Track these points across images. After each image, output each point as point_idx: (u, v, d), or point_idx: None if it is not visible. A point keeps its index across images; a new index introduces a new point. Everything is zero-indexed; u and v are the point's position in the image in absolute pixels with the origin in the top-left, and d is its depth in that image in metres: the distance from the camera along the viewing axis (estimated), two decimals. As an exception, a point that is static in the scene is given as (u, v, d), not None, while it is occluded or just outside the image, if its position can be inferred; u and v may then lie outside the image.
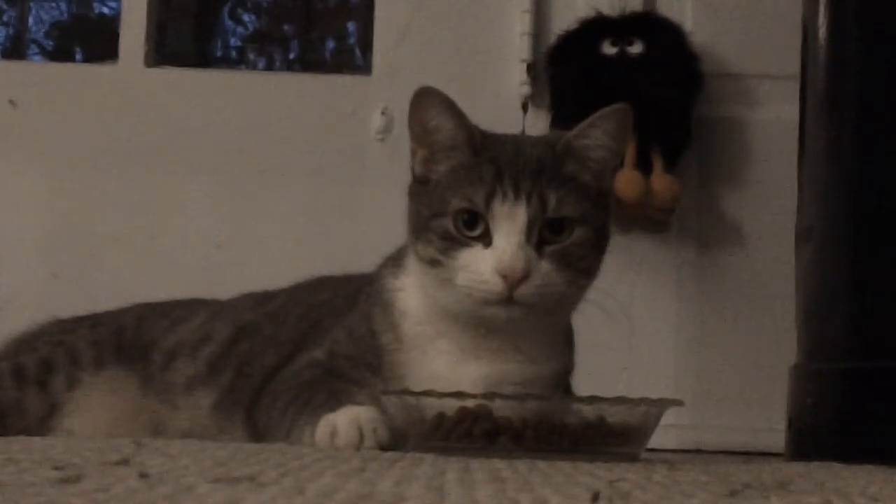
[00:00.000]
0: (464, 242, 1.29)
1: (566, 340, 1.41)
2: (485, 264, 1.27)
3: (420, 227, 1.34)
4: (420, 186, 1.36)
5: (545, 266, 1.28)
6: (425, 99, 1.33)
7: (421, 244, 1.33)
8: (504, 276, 1.26)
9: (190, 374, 1.52)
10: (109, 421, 1.52)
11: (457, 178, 1.32)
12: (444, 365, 1.33)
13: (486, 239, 1.28)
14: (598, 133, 1.36)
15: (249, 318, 1.57)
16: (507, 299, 1.27)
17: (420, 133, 1.35)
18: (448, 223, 1.30)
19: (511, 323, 1.29)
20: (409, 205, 1.38)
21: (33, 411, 1.52)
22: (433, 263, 1.31)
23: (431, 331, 1.35)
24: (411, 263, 1.37)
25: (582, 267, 1.32)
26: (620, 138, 1.37)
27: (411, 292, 1.37)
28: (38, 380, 1.54)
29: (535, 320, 1.30)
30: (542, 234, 1.29)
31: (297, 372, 1.41)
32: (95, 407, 1.53)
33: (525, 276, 1.26)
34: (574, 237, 1.30)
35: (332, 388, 1.34)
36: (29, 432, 1.46)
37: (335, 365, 1.39)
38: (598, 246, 1.35)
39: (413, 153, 1.37)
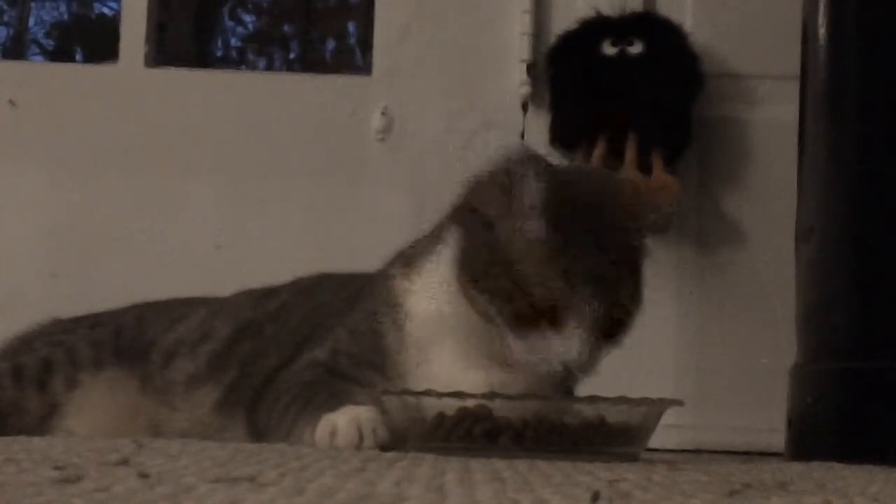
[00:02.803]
0: (531, 322, 1.25)
1: None
2: (553, 355, 1.24)
3: (476, 273, 1.28)
4: (473, 218, 1.30)
5: (601, 346, 1.27)
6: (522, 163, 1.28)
7: (475, 292, 1.28)
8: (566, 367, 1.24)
9: (190, 373, 1.52)
10: (109, 421, 1.52)
11: (533, 254, 1.25)
12: (447, 368, 1.32)
13: (555, 322, 1.24)
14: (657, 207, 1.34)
15: (250, 316, 1.56)
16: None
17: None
18: (514, 295, 1.25)
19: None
20: (460, 235, 1.31)
21: (32, 411, 1.52)
22: (487, 321, 1.28)
23: (438, 335, 1.33)
24: (431, 268, 1.34)
25: (626, 334, 1.32)
26: (665, 213, 1.37)
27: (423, 296, 1.35)
28: (38, 380, 1.54)
29: None
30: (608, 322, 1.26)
31: (299, 372, 1.41)
32: (95, 407, 1.53)
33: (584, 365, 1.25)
34: (630, 317, 1.30)
35: (332, 387, 1.34)
36: (28, 432, 1.46)
37: (337, 364, 1.38)
38: (640, 309, 1.33)
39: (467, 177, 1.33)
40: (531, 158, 1.29)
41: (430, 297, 1.34)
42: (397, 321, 1.36)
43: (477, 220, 1.29)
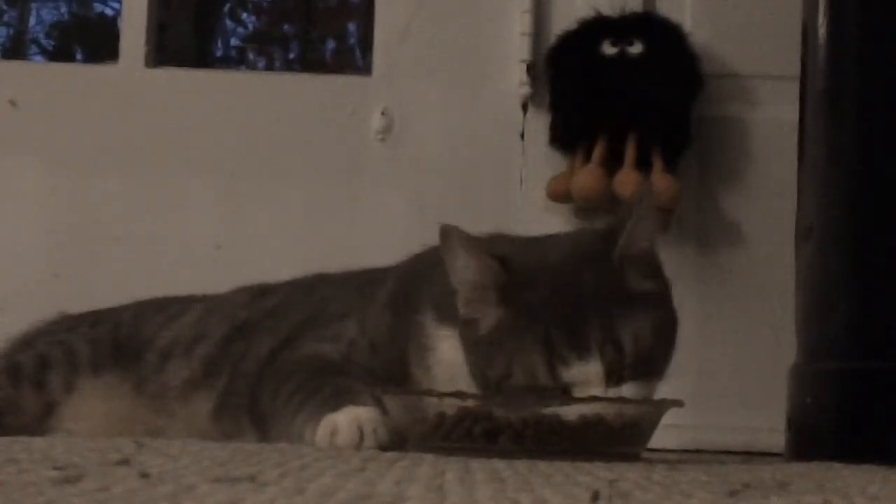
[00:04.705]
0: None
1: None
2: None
3: (489, 384, 1.26)
4: (469, 332, 1.28)
5: (629, 390, 1.23)
6: (448, 242, 1.26)
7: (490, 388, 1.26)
8: None
9: (184, 377, 1.51)
10: (106, 426, 1.51)
11: (506, 340, 1.24)
12: None
13: (564, 391, 1.21)
14: (642, 228, 1.26)
15: (245, 315, 1.56)
16: None
17: (456, 276, 1.27)
18: (514, 382, 1.23)
19: None
20: (468, 355, 1.30)
21: (29, 410, 1.52)
22: None
23: (463, 380, 1.31)
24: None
25: (663, 369, 1.28)
26: (656, 222, 1.30)
27: (454, 342, 1.32)
28: (35, 378, 1.54)
29: None
30: (622, 371, 1.22)
31: (304, 360, 1.40)
32: (92, 412, 1.53)
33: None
34: (651, 357, 1.24)
35: (337, 385, 1.33)
36: (26, 431, 1.46)
37: (348, 370, 1.38)
38: (673, 336, 1.29)
39: (456, 292, 1.29)
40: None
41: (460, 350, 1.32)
42: (425, 362, 1.35)
43: (470, 330, 1.29)
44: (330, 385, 1.33)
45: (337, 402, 1.28)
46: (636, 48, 2.24)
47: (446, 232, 1.26)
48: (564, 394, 1.22)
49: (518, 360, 1.22)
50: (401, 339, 1.37)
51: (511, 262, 1.27)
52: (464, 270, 1.26)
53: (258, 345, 1.49)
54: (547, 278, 1.25)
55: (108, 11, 3.75)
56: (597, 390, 1.21)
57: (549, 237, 1.41)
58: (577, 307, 1.22)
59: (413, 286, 1.40)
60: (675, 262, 2.30)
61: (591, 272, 1.25)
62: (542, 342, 1.21)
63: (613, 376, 1.22)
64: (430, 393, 1.25)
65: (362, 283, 1.50)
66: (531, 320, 1.23)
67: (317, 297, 1.54)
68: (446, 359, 1.34)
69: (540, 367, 1.21)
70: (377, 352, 1.38)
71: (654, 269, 1.29)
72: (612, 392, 1.22)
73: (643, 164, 2.19)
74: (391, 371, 1.36)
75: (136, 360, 1.55)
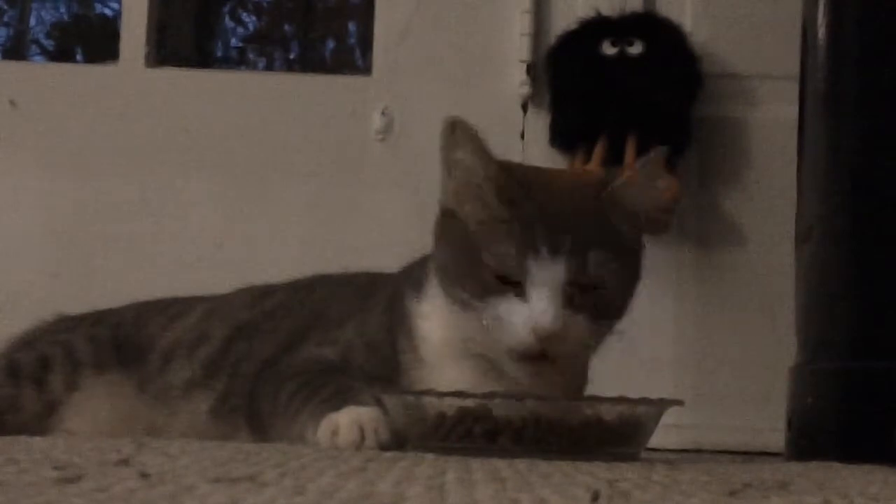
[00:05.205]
0: (497, 291, 1.25)
1: (584, 369, 1.40)
2: (520, 319, 1.23)
3: (450, 270, 1.31)
4: (448, 221, 1.32)
5: (581, 322, 1.25)
6: (452, 133, 1.28)
7: (450, 285, 1.30)
8: (538, 336, 1.23)
9: (186, 378, 1.52)
10: (108, 424, 1.51)
11: (489, 231, 1.27)
12: (462, 387, 1.32)
13: (520, 290, 1.24)
14: (643, 180, 1.32)
15: (246, 316, 1.56)
16: (539, 354, 1.24)
17: (450, 166, 1.30)
18: (480, 273, 1.26)
19: (538, 376, 1.27)
20: (437, 242, 1.34)
21: (29, 409, 1.52)
22: (464, 307, 1.28)
23: (452, 356, 1.33)
24: (434, 292, 1.34)
25: (615, 314, 1.30)
26: (660, 181, 1.36)
27: (434, 320, 1.35)
28: (35, 377, 1.54)
29: (559, 365, 1.28)
30: (579, 290, 1.25)
31: (304, 363, 1.41)
32: (93, 410, 1.53)
33: (561, 336, 1.23)
34: (610, 290, 1.27)
35: (337, 385, 1.34)
36: (25, 431, 1.46)
37: (347, 370, 1.38)
38: (631, 291, 1.33)
39: (443, 183, 1.33)
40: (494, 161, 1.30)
41: (438, 323, 1.34)
42: (413, 343, 1.36)
43: (447, 220, 1.33)
44: (330, 385, 1.34)
45: (337, 401, 1.28)
46: (636, 48, 2.24)
47: (452, 123, 1.28)
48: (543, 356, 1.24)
49: (493, 247, 1.25)
50: (392, 332, 1.38)
51: (511, 169, 1.31)
52: (462, 163, 1.29)
53: (259, 347, 1.50)
54: (541, 191, 1.29)
55: (108, 12, 3.75)
56: (552, 294, 1.23)
57: (559, 169, 1.46)
58: (561, 218, 1.25)
59: (404, 287, 1.41)
60: (675, 262, 2.31)
61: (581, 199, 1.29)
62: (521, 233, 1.24)
63: (571, 290, 1.24)
64: (429, 393, 1.25)
65: (362, 288, 1.51)
66: (521, 218, 1.26)
67: (317, 299, 1.55)
68: (430, 336, 1.35)
69: (511, 254, 1.24)
70: (373, 351, 1.39)
71: (635, 222, 1.33)
72: (566, 314, 1.23)
73: (643, 164, 2.19)
74: (386, 368, 1.36)
75: (138, 359, 1.55)
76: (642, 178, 1.32)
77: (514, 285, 1.24)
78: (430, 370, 1.34)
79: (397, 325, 1.38)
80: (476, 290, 1.26)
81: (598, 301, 1.26)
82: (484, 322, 1.26)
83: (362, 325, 1.43)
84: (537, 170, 1.40)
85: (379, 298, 1.45)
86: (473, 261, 1.27)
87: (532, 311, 1.23)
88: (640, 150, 2.19)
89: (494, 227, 1.27)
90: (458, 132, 1.28)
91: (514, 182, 1.29)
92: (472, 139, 1.28)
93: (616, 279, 1.28)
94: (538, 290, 1.23)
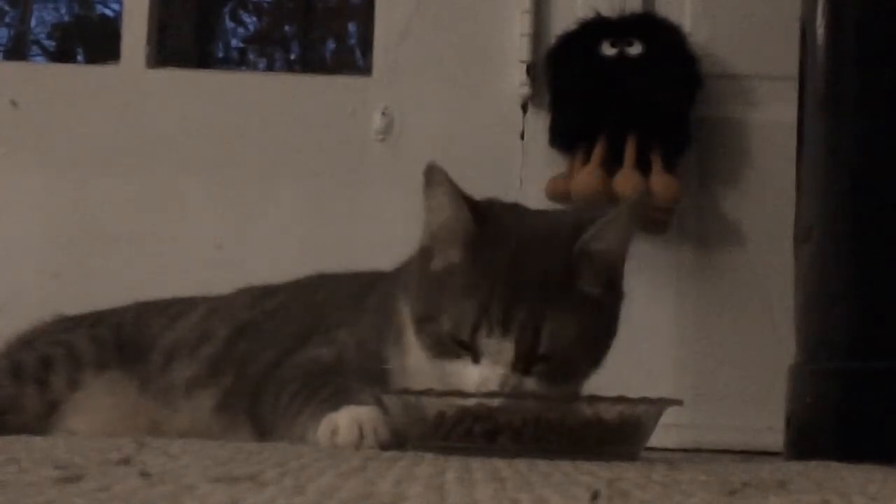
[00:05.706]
0: (453, 352, 1.26)
1: None
2: (470, 381, 1.25)
3: (415, 313, 1.32)
4: (424, 261, 1.33)
5: (532, 386, 1.25)
6: (429, 176, 1.29)
7: (415, 331, 1.32)
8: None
9: (189, 376, 1.52)
10: (109, 422, 1.52)
11: (451, 285, 1.28)
12: None
13: (474, 355, 1.26)
14: (615, 231, 1.29)
15: (247, 316, 1.57)
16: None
17: (428, 207, 1.31)
18: (438, 330, 1.27)
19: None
20: (412, 279, 1.35)
21: (31, 409, 1.53)
22: (424, 352, 1.30)
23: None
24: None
25: (575, 377, 1.30)
26: (633, 231, 1.33)
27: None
28: (37, 377, 1.54)
29: None
30: (533, 360, 1.25)
31: (303, 364, 1.41)
32: (95, 408, 1.53)
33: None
34: (567, 358, 1.27)
35: (336, 385, 1.34)
36: (27, 430, 1.46)
37: (342, 371, 1.39)
38: (597, 353, 1.32)
39: (424, 222, 1.34)
40: (478, 202, 1.31)
41: None
42: (400, 348, 1.37)
43: (424, 259, 1.33)
44: (330, 385, 1.34)
45: (337, 401, 1.28)
46: (636, 49, 2.24)
47: (432, 169, 1.29)
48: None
49: (451, 308, 1.26)
50: (382, 332, 1.38)
51: (485, 219, 1.30)
52: (439, 209, 1.30)
53: (262, 348, 1.50)
54: (509, 247, 1.28)
55: (109, 12, 3.75)
56: (501, 370, 1.23)
57: (538, 211, 1.45)
58: (522, 284, 1.25)
59: (394, 285, 1.41)
60: (675, 262, 2.31)
61: (549, 256, 1.28)
62: (480, 304, 1.24)
63: (521, 363, 1.24)
64: (430, 392, 1.25)
65: (358, 288, 1.51)
66: (480, 278, 1.26)
67: (318, 300, 1.55)
68: (413, 342, 1.35)
69: (466, 324, 1.24)
70: (363, 349, 1.39)
71: (610, 275, 1.31)
72: (516, 379, 1.23)
73: (643, 165, 2.19)
74: (376, 365, 1.36)
75: (139, 359, 1.55)
76: (621, 221, 1.30)
77: (467, 348, 1.26)
78: (415, 376, 1.34)
79: (387, 329, 1.39)
80: (433, 350, 1.28)
81: (554, 368, 1.26)
82: (440, 375, 1.28)
83: (355, 325, 1.43)
84: (514, 213, 1.37)
85: (373, 299, 1.46)
86: (434, 316, 1.28)
87: (481, 375, 1.24)
88: (640, 151, 2.20)
89: (457, 278, 1.27)
90: (434, 175, 1.29)
91: (481, 232, 1.28)
92: (445, 183, 1.29)
93: (575, 347, 1.27)
94: (487, 360, 1.25)
